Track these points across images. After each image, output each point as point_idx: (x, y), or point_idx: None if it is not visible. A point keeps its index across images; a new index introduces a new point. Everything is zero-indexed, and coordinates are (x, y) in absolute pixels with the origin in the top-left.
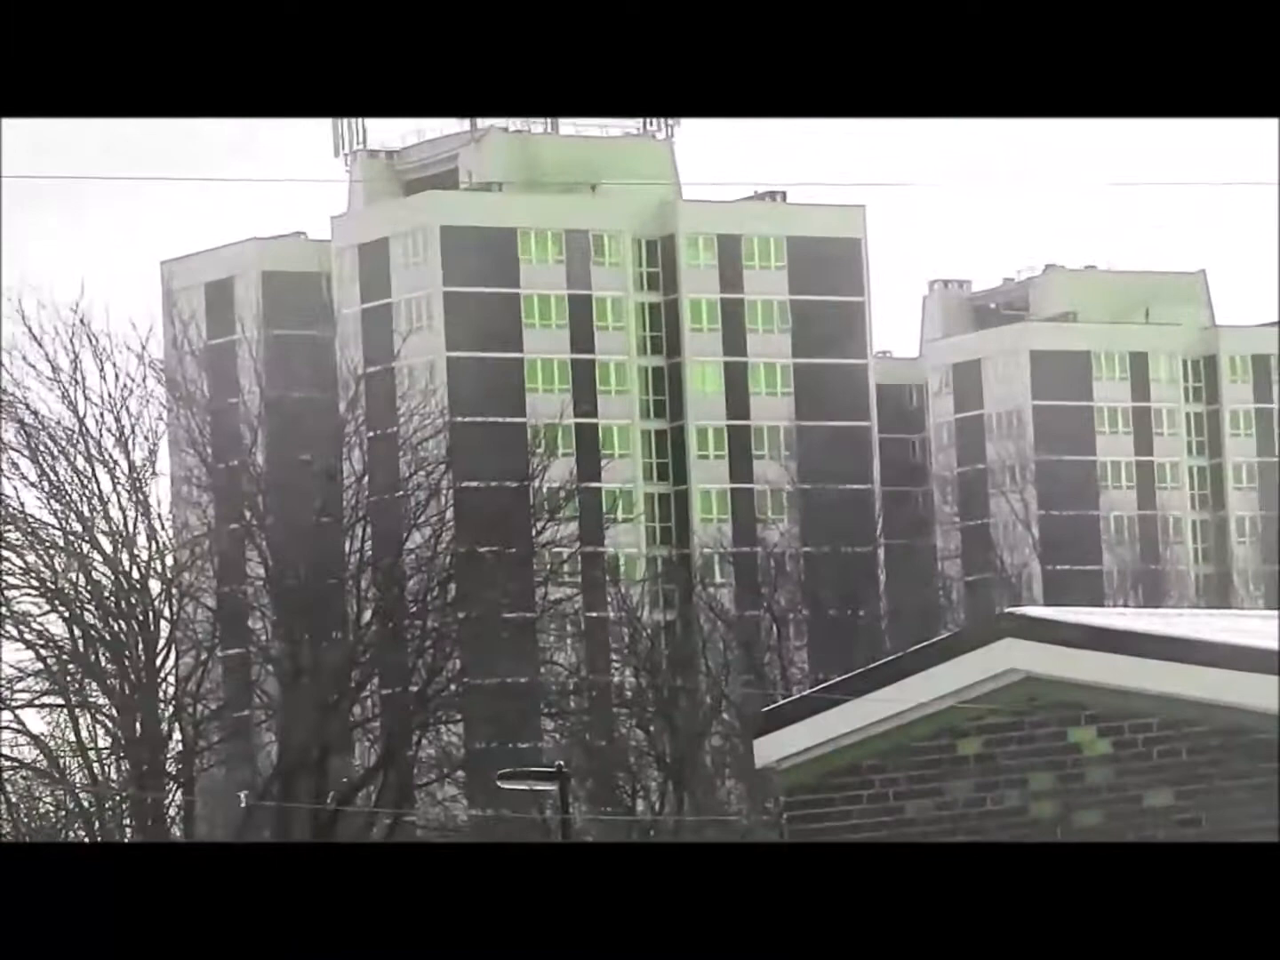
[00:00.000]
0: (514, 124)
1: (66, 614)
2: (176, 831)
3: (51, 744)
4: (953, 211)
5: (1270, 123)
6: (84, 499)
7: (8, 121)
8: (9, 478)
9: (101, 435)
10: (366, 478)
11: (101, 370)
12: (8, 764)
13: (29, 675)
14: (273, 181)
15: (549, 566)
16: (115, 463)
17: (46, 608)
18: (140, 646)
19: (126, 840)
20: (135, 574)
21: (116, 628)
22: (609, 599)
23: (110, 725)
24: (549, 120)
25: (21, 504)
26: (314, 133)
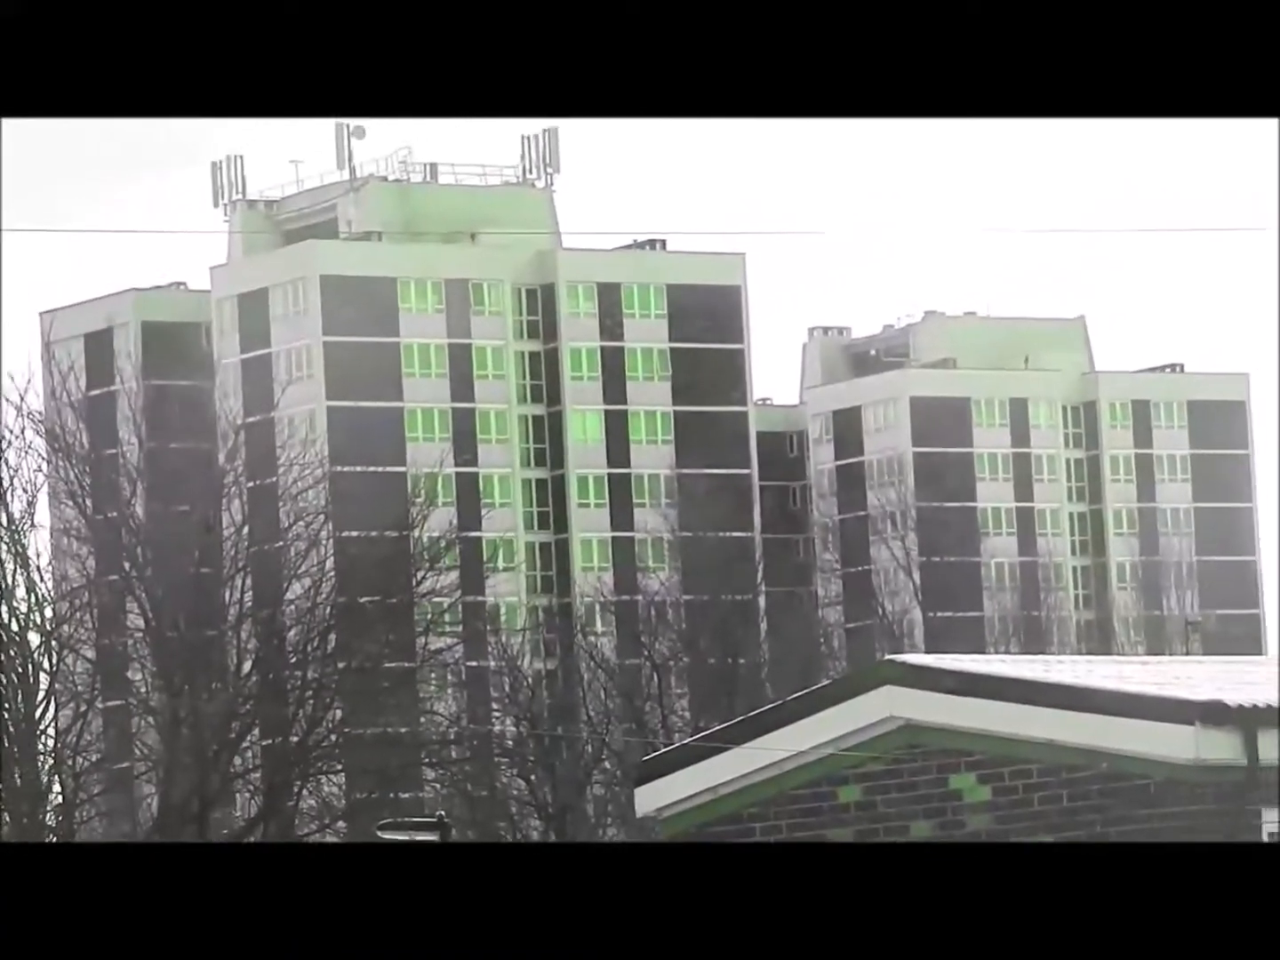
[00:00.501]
0: (393, 173)
1: None
2: None
3: None
4: (832, 258)
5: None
6: None
7: None
8: None
9: None
10: (246, 528)
11: None
12: None
13: None
14: (151, 232)
15: (429, 616)
16: None
17: None
18: (20, 698)
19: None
20: (14, 626)
21: None
22: (490, 648)
23: None
24: (428, 169)
25: None
26: (192, 182)
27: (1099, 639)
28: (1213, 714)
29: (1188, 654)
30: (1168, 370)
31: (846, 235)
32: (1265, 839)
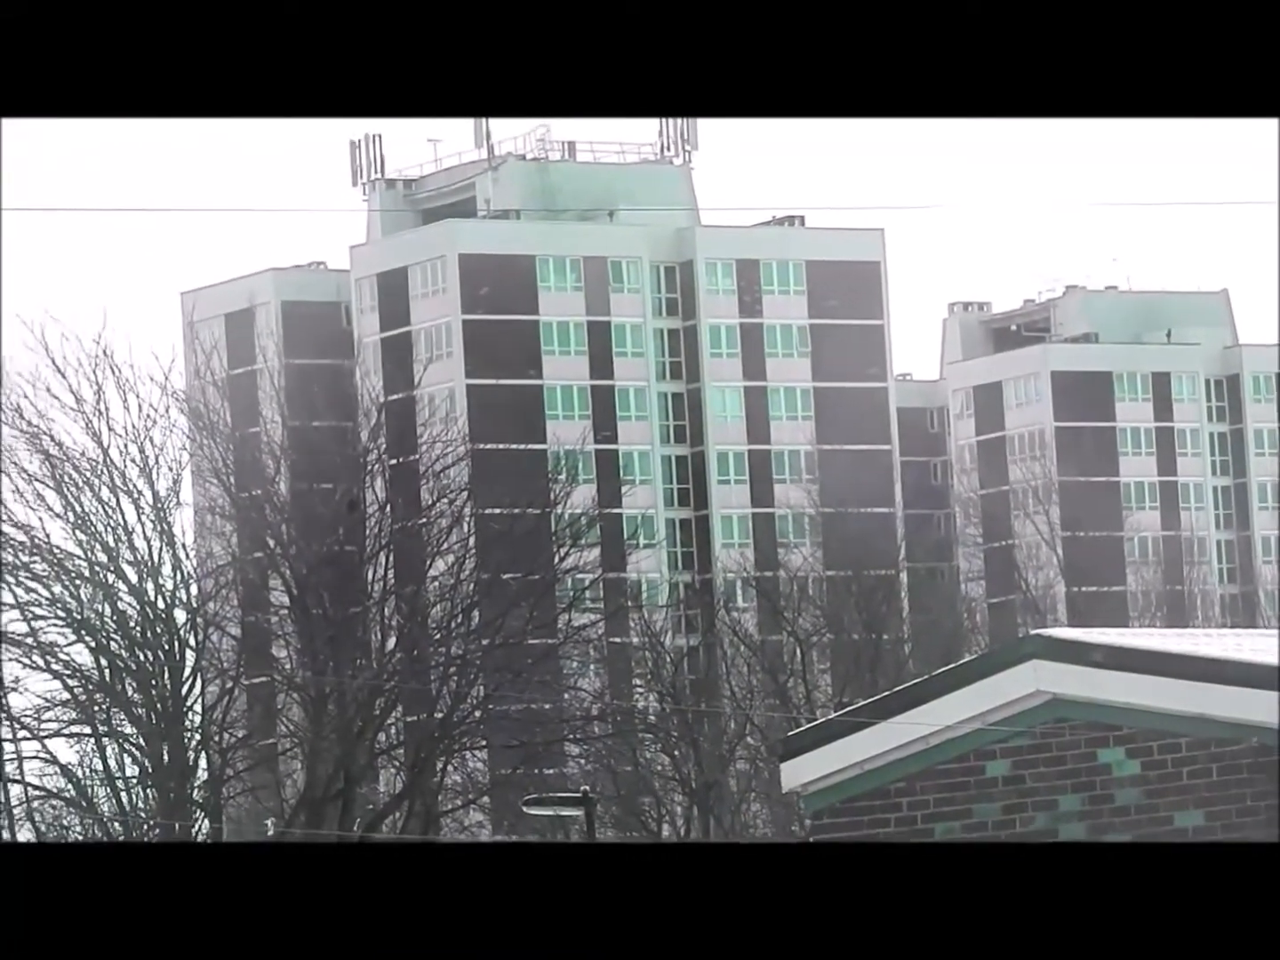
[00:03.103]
0: (531, 151)
1: (93, 644)
2: None
3: (79, 773)
4: (972, 233)
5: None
6: (109, 529)
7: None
8: (35, 509)
9: (126, 466)
10: (389, 506)
11: (125, 401)
12: (36, 794)
13: (56, 705)
14: (291, 211)
15: (572, 593)
16: (140, 493)
17: (73, 638)
18: (166, 676)
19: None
20: (161, 604)
21: (143, 657)
22: (632, 624)
23: (137, 754)
24: (566, 146)
25: (48, 535)
26: (331, 161)
27: (1243, 613)
28: None
29: None
30: None
31: (985, 210)
32: None
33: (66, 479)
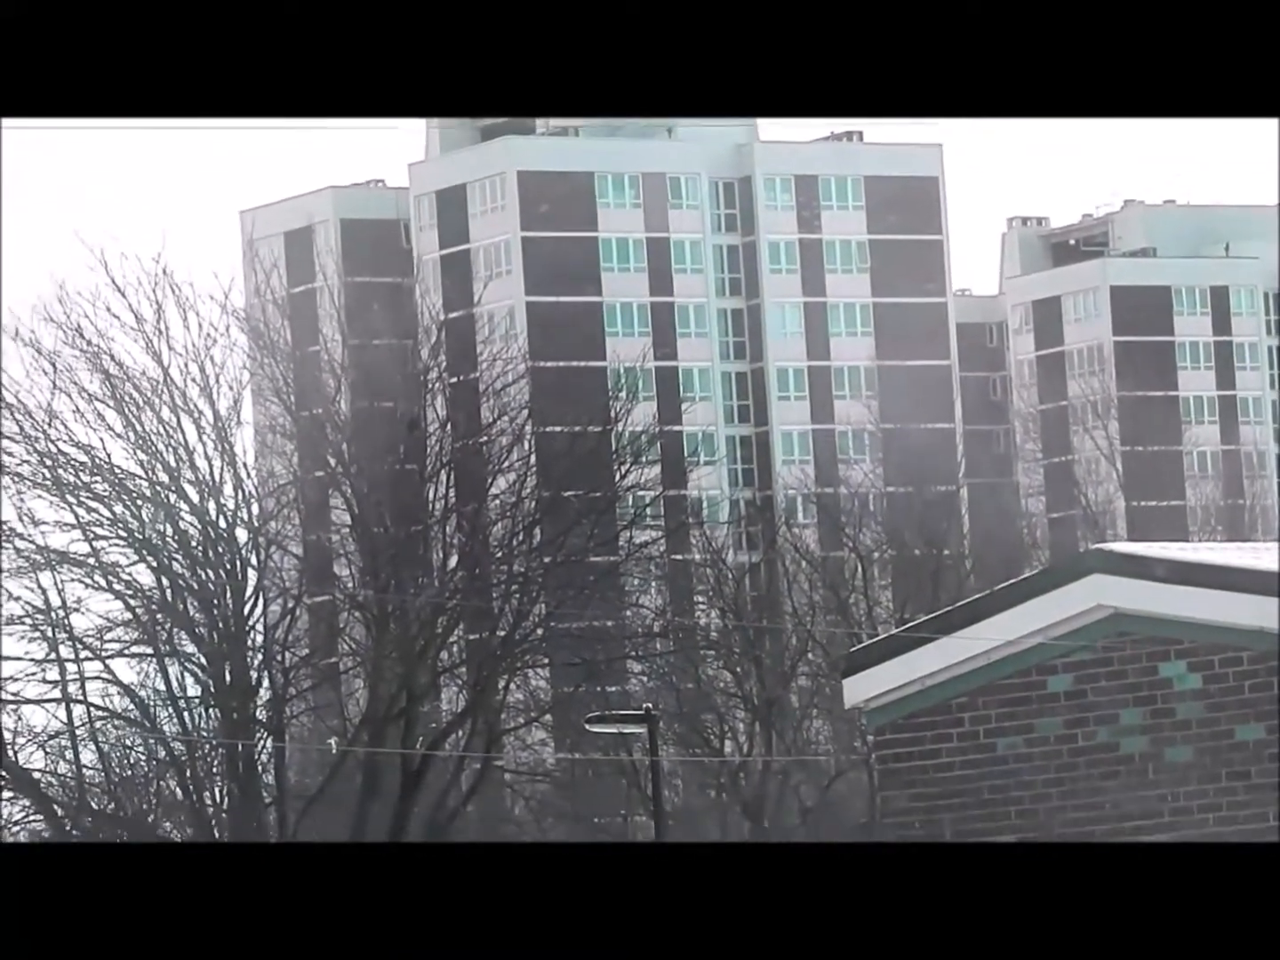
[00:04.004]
0: None
1: (154, 564)
2: (268, 778)
3: (142, 693)
4: (1030, 148)
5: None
6: (170, 449)
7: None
8: (95, 429)
9: (186, 385)
10: (449, 424)
11: (185, 320)
12: (99, 714)
13: (118, 625)
14: (349, 128)
15: (633, 510)
16: (200, 413)
17: (135, 558)
18: (228, 595)
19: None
20: (222, 523)
21: (204, 577)
22: (693, 542)
23: (200, 674)
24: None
25: (108, 455)
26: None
27: None
28: None
29: None
30: None
31: (1044, 124)
32: None
33: (127, 399)
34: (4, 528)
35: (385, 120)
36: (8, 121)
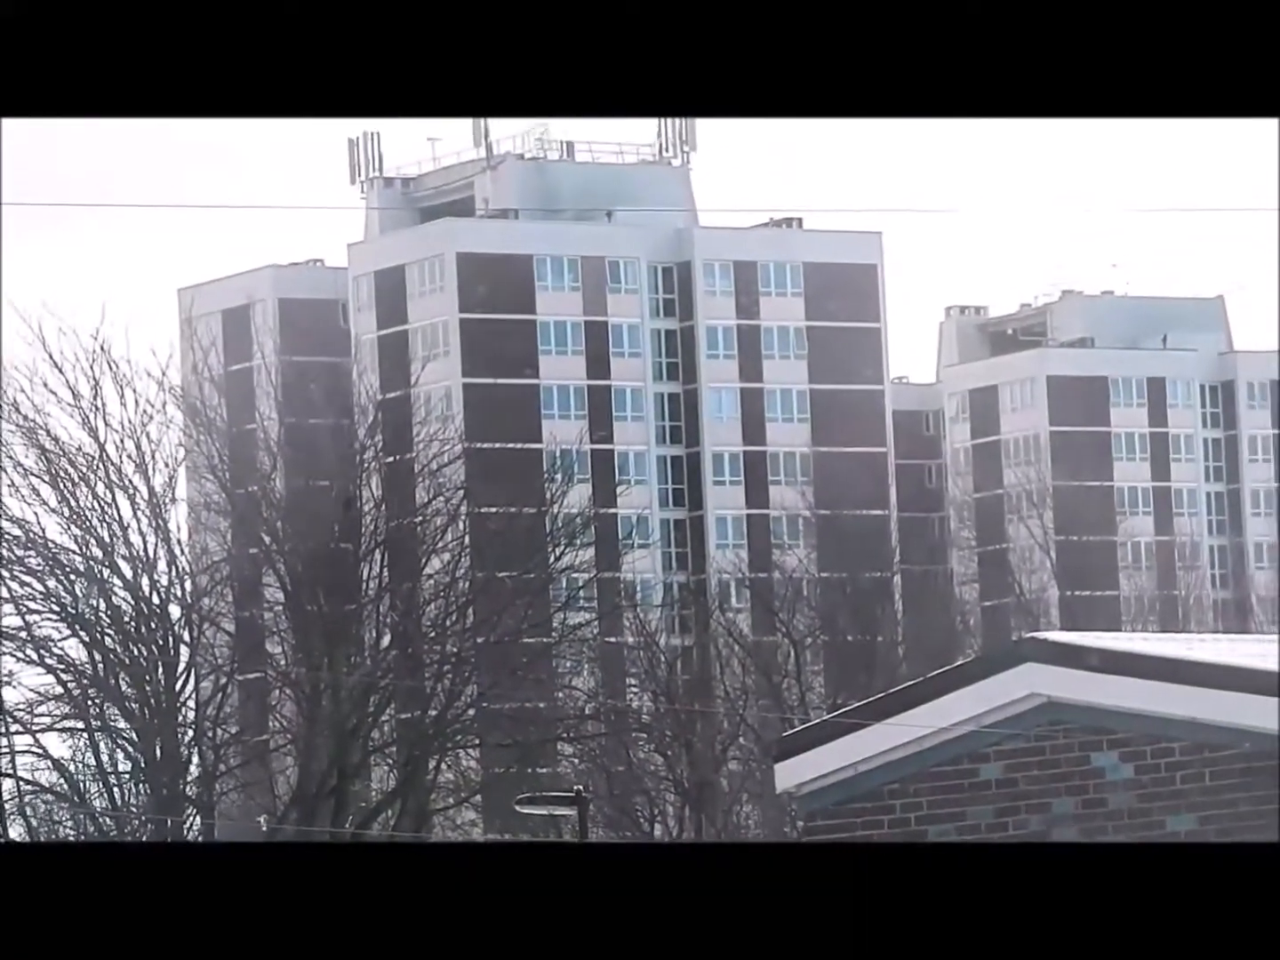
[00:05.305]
0: (529, 150)
1: (87, 639)
2: None
3: (72, 768)
4: (969, 237)
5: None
6: (104, 524)
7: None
8: (30, 504)
9: (122, 461)
10: (384, 504)
11: (122, 396)
12: (28, 788)
13: (50, 699)
14: (289, 209)
15: (566, 592)
16: (135, 489)
17: (67, 632)
18: (160, 671)
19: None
20: (155, 599)
21: (137, 652)
22: (626, 624)
23: (130, 749)
24: (564, 146)
25: (43, 529)
26: (330, 159)
27: (1236, 618)
28: None
29: None
30: None
31: (983, 214)
32: None
33: (62, 474)
34: None
35: (324, 201)
36: None
